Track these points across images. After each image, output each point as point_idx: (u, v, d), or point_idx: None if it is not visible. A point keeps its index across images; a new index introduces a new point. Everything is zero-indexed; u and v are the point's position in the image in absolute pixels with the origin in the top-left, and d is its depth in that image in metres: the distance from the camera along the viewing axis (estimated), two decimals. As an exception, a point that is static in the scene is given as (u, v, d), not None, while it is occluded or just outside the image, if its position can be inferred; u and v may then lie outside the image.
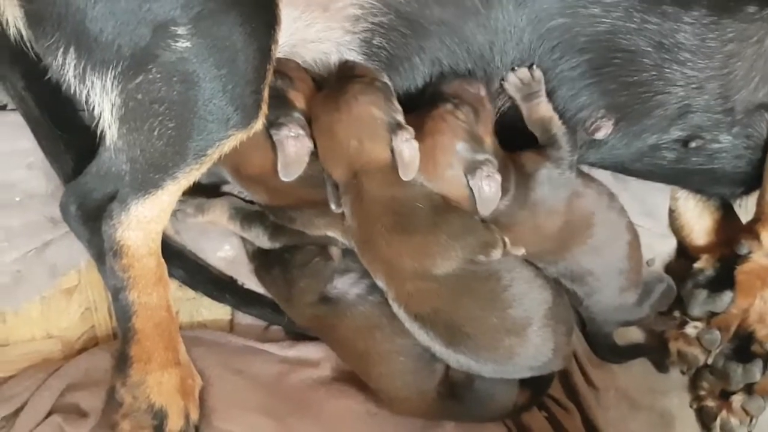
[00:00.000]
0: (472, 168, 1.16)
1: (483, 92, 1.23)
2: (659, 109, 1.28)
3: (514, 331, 1.19)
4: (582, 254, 1.27)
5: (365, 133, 1.15)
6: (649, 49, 1.23)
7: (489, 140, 1.21)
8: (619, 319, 1.40)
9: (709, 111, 1.29)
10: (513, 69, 1.23)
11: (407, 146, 1.15)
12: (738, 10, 1.24)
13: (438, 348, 1.20)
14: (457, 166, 1.16)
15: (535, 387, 1.31)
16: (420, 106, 1.24)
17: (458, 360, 1.21)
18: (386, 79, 1.23)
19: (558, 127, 1.24)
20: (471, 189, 1.16)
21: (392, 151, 1.15)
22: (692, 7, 1.22)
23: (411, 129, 1.16)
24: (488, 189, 1.15)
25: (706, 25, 1.23)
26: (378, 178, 1.16)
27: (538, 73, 1.23)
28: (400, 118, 1.18)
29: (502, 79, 1.25)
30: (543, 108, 1.23)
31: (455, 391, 1.24)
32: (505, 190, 1.18)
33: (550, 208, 1.24)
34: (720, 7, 1.23)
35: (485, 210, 1.17)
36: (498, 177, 1.16)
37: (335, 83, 1.22)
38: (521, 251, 1.22)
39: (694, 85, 1.26)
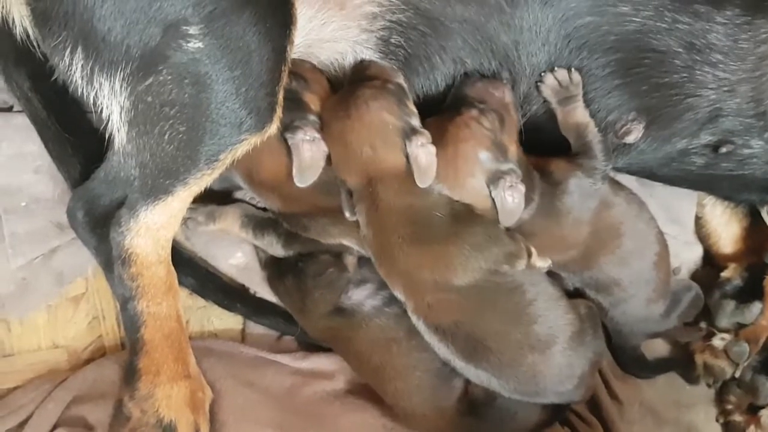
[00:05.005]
0: (495, 178, 1.12)
1: (509, 98, 1.19)
2: (690, 113, 1.24)
3: (538, 349, 1.15)
4: (609, 264, 1.24)
5: (378, 140, 1.12)
6: (679, 49, 1.19)
7: (513, 149, 1.17)
8: (647, 331, 1.36)
9: (741, 115, 1.25)
10: (552, 69, 1.19)
11: (423, 151, 1.11)
12: (772, 10, 1.20)
13: (458, 362, 1.16)
14: (480, 175, 1.13)
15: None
16: (442, 109, 1.20)
17: (479, 375, 1.17)
18: (401, 80, 1.19)
19: (594, 135, 1.20)
20: (493, 199, 1.12)
21: (407, 157, 1.11)
22: (725, 7, 1.19)
23: (427, 133, 1.13)
24: (511, 200, 1.12)
25: (739, 25, 1.19)
26: (394, 185, 1.13)
27: (576, 76, 1.19)
28: (415, 121, 1.15)
29: (538, 81, 1.21)
30: (579, 113, 1.19)
31: (475, 409, 1.20)
32: (528, 200, 1.15)
33: (577, 218, 1.20)
34: (754, 6, 1.19)
35: (507, 221, 1.14)
36: (522, 187, 1.12)
37: (347, 86, 1.18)
38: (547, 263, 1.19)
39: (725, 88, 1.22)
